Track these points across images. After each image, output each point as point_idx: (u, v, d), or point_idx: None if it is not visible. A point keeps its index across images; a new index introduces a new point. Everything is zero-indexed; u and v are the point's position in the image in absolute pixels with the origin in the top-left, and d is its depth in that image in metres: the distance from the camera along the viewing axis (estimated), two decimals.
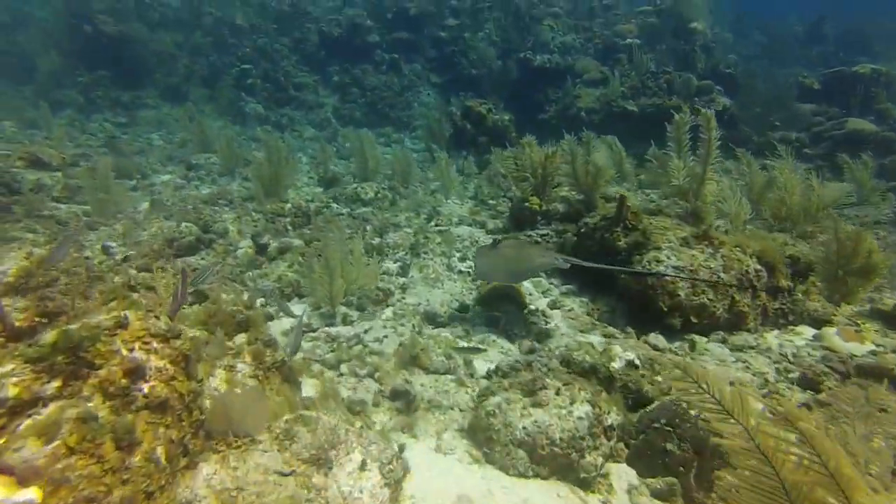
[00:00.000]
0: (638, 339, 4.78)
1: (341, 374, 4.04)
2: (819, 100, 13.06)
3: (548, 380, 3.36)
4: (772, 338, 5.08)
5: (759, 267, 5.14)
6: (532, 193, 7.10)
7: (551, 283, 6.08)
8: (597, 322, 5.08)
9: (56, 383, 2.07)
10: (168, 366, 2.35)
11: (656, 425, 3.20)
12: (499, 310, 5.26)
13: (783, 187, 6.72)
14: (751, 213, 6.36)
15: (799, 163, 11.68)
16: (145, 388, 2.23)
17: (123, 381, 2.18)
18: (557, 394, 3.26)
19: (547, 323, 5.18)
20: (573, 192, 7.15)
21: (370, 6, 20.42)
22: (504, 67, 17.96)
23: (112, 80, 16.82)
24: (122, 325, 2.32)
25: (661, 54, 14.94)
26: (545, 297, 5.80)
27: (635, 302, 5.10)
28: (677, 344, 4.84)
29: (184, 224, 6.74)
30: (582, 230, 5.92)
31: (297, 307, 5.27)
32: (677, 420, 3.14)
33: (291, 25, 20.86)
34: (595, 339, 4.73)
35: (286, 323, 4.83)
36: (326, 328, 4.82)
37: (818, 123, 12.25)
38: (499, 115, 12.91)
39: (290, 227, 7.11)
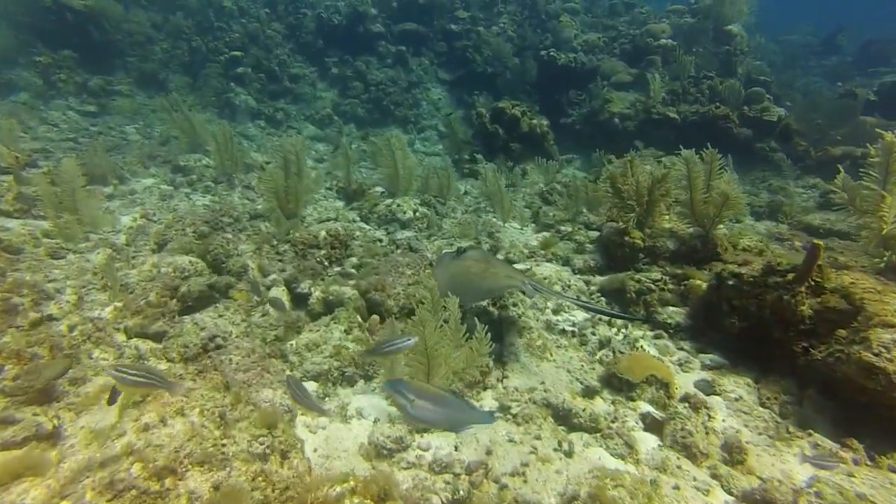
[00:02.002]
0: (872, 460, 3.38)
1: None
2: (875, 112, 12.10)
3: None
4: None
5: None
6: (635, 225, 5.67)
7: (682, 349, 4.65)
8: (789, 429, 3.66)
9: None
10: None
11: None
12: (638, 393, 3.81)
13: None
14: None
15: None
16: None
17: None
18: None
19: (710, 418, 3.74)
20: (684, 225, 5.76)
21: None
22: (522, 66, 16.50)
23: (78, 61, 14.58)
24: None
25: (698, 58, 13.75)
26: (682, 369, 4.37)
27: (843, 392, 3.69)
28: None
29: (187, 259, 5.03)
30: (729, 282, 4.50)
31: (364, 399, 3.69)
32: None
33: (285, 10, 18.89)
34: (798, 465, 3.30)
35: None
36: (420, 444, 3.26)
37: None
38: (536, 120, 11.44)
39: (326, 263, 5.47)
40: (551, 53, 15.52)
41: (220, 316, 4.27)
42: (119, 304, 4.30)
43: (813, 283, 4.00)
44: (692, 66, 12.86)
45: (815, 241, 3.85)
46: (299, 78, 16.77)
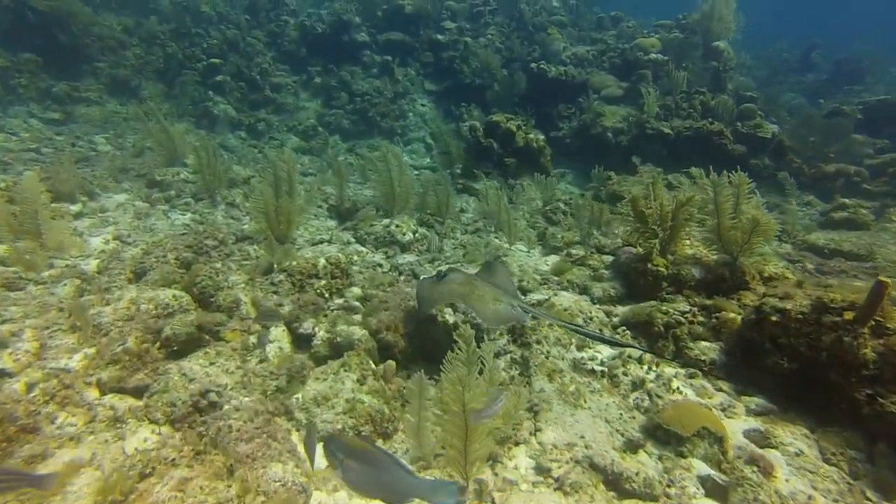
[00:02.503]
0: None
1: None
2: (861, 130, 12.23)
3: None
4: None
5: None
6: (658, 251, 5.32)
7: (721, 390, 4.29)
8: (866, 493, 3.30)
9: None
10: None
11: None
12: (688, 448, 3.42)
13: None
14: None
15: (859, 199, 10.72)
16: None
17: None
18: None
19: (772, 477, 3.36)
20: (708, 251, 5.43)
21: (358, 1, 18.18)
22: (511, 78, 16.26)
23: (41, 65, 13.66)
24: None
25: (689, 73, 13.73)
26: (726, 414, 4.00)
27: None
28: None
29: (170, 293, 4.43)
30: (772, 318, 4.16)
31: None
32: None
33: (266, 17, 18.28)
34: None
35: None
36: None
37: (868, 156, 11.34)
38: (533, 134, 11.13)
39: (327, 294, 4.93)
40: (541, 66, 15.33)
41: (212, 363, 3.69)
42: (91, 351, 3.69)
43: (874, 323, 3.69)
44: (685, 81, 12.79)
45: (881, 277, 3.54)
46: (281, 87, 16.15)
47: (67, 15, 14.16)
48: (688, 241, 5.63)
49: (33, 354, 3.66)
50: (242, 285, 4.78)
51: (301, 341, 4.11)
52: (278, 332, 4.06)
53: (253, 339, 3.98)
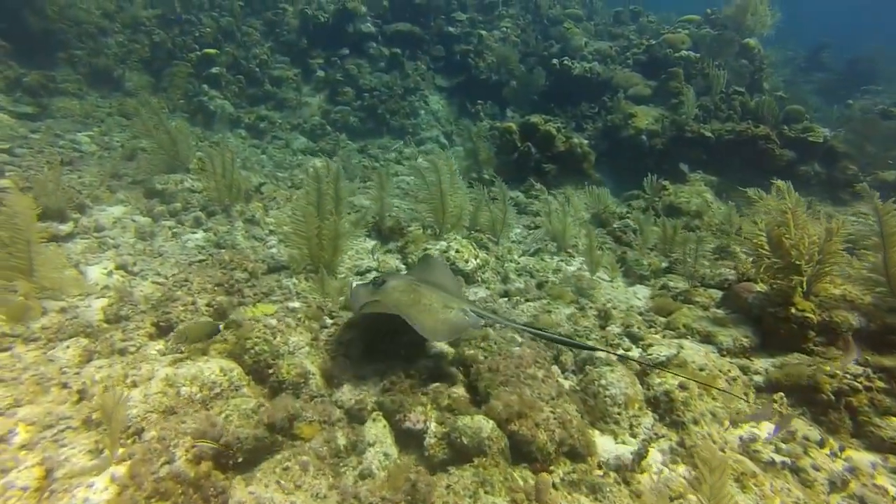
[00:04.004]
0: None
1: None
2: None
3: None
4: None
5: None
6: (801, 291, 4.41)
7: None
8: None
9: None
10: None
11: None
12: None
13: None
14: None
15: None
16: None
17: None
18: None
19: None
20: (863, 293, 4.53)
21: None
22: (529, 74, 15.26)
23: (9, 52, 12.10)
24: None
25: (727, 72, 12.92)
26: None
27: None
28: None
29: (215, 365, 3.32)
30: None
31: None
32: None
33: (262, 4, 16.85)
34: None
35: None
36: None
37: None
38: (576, 139, 10.15)
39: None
40: (565, 62, 14.37)
41: (296, 486, 2.61)
42: (120, 472, 2.57)
43: None
44: (724, 80, 11.97)
45: None
46: (282, 81, 14.82)
47: None
48: (830, 280, 4.73)
49: (38, 481, 2.51)
50: (307, 348, 3.68)
51: (407, 439, 3.05)
52: (378, 428, 3.00)
53: (342, 437, 2.91)
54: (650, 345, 4.38)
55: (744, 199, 10.68)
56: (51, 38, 13.04)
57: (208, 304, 4.27)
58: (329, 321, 4.25)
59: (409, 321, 3.35)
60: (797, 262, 4.36)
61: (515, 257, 6.85)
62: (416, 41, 16.32)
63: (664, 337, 4.65)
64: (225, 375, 3.28)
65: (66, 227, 6.12)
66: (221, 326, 3.74)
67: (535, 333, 4.07)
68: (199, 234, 6.88)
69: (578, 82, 14.23)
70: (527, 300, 5.31)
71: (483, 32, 15.97)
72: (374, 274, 5.84)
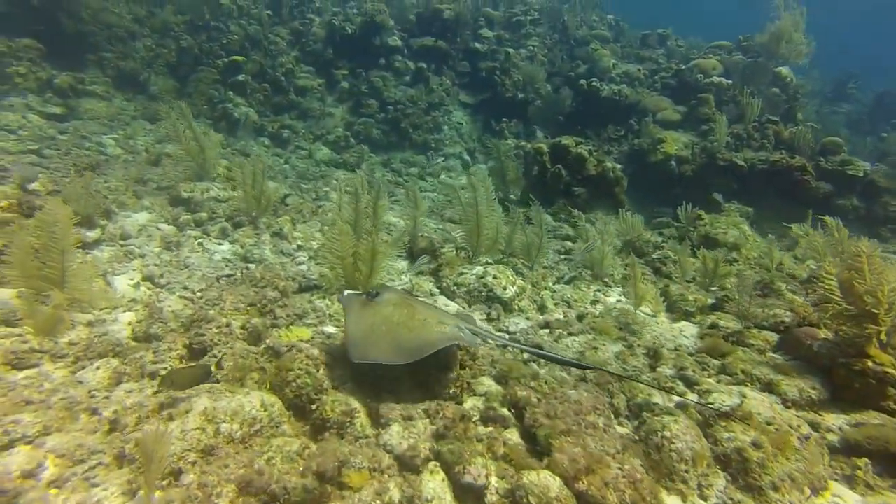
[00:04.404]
0: None
1: None
2: None
3: None
4: None
5: None
6: (876, 343, 4.12)
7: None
8: None
9: None
10: None
11: None
12: None
13: None
14: None
15: None
16: None
17: None
18: None
19: None
20: None
21: (391, 1, 16.94)
22: (555, 94, 15.14)
23: (43, 53, 12.12)
24: None
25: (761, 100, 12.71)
26: None
27: None
28: None
29: (256, 399, 3.08)
30: None
31: None
32: None
33: (289, 13, 16.95)
34: None
35: None
36: None
37: None
38: (609, 163, 9.94)
39: (457, 392, 3.61)
40: (593, 83, 14.23)
41: None
42: None
43: None
44: (759, 108, 11.74)
45: None
46: (306, 91, 14.80)
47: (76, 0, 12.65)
48: None
49: None
50: (350, 382, 3.43)
51: (465, 494, 2.78)
52: (435, 482, 2.74)
53: (395, 490, 2.65)
54: (707, 391, 4.09)
55: (777, 232, 10.48)
56: (82, 40, 13.12)
57: (243, 327, 4.05)
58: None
59: (389, 343, 3.36)
60: (874, 311, 4.08)
61: (550, 284, 6.60)
62: (441, 56, 16.28)
63: (719, 382, 4.36)
64: (266, 411, 3.04)
65: (93, 234, 5.96)
66: (213, 367, 3.45)
67: (542, 356, 4.01)
68: (226, 246, 6.70)
69: (606, 104, 14.07)
70: (570, 334, 5.05)
71: (510, 50, 15.90)
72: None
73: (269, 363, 3.56)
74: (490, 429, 3.28)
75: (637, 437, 3.49)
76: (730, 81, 13.17)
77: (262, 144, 12.93)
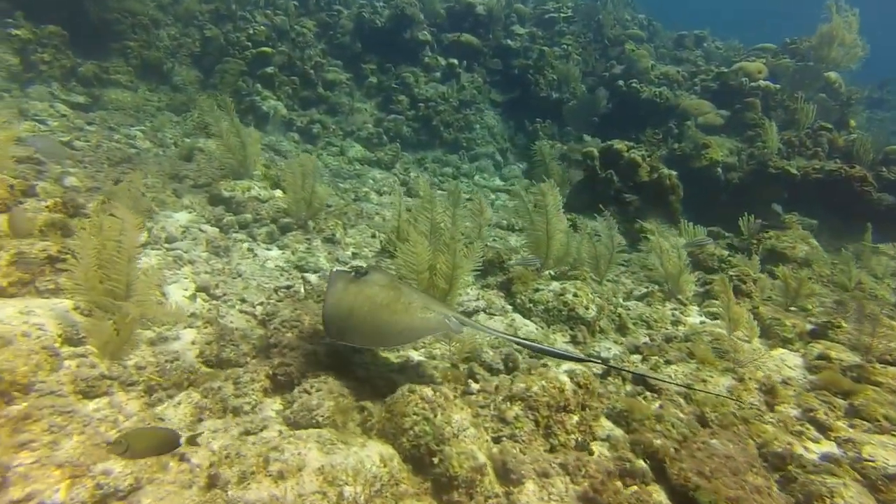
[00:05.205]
0: None
1: None
2: None
3: None
4: None
5: None
6: None
7: None
8: None
9: None
10: None
11: None
12: None
13: None
14: None
15: None
16: None
17: None
18: None
19: None
20: None
21: None
22: (591, 94, 14.65)
23: (67, 41, 11.65)
24: None
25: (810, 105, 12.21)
26: None
27: None
28: None
29: (374, 451, 2.65)
30: None
31: None
32: None
33: (316, 5, 16.43)
34: None
35: None
36: None
37: None
38: (664, 169, 9.48)
39: (579, 438, 3.17)
40: (632, 84, 13.74)
41: None
42: None
43: None
44: (813, 114, 11.25)
45: None
46: (335, 85, 14.31)
47: None
48: None
49: None
50: (471, 429, 2.98)
51: None
52: None
53: None
54: (849, 440, 3.64)
55: (832, 245, 10.03)
56: (106, 28, 12.63)
57: (329, 355, 3.61)
58: (474, 385, 3.57)
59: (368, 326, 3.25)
60: None
61: (621, 300, 6.16)
62: (473, 52, 15.77)
63: (853, 427, 3.91)
64: (385, 466, 2.60)
65: (140, 238, 5.50)
66: (183, 440, 2.71)
67: (535, 348, 3.85)
68: (275, 252, 6.26)
69: (645, 106, 13.58)
70: (667, 361, 4.60)
71: (546, 48, 15.38)
72: (483, 316, 5.18)
73: (371, 403, 3.12)
74: (634, 488, 2.84)
75: (795, 502, 3.04)
76: (777, 86, 12.66)
77: (291, 140, 12.48)
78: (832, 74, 13.28)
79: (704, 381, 4.25)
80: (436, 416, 2.91)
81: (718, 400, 3.84)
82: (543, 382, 3.25)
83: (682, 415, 3.69)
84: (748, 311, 5.39)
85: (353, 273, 3.69)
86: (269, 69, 13.41)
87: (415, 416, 2.86)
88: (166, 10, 14.77)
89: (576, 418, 3.24)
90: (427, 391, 3.03)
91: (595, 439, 3.29)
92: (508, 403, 3.21)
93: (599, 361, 3.79)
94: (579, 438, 3.16)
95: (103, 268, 3.67)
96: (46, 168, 6.67)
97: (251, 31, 14.27)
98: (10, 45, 10.75)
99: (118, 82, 12.23)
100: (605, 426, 3.38)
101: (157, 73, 13.39)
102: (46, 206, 4.87)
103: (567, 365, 4.02)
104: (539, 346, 3.98)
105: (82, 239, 3.68)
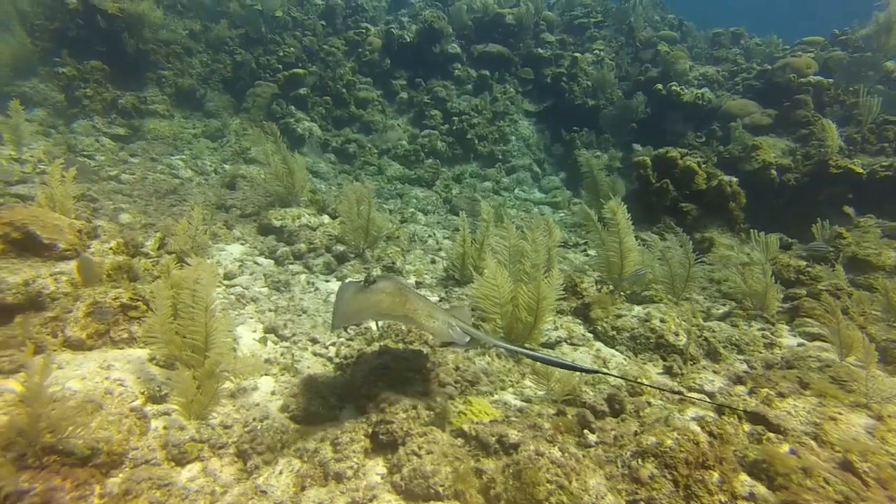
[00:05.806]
0: None
1: None
2: None
3: None
4: None
5: None
6: None
7: None
8: None
9: None
10: None
11: None
12: None
13: None
14: None
15: None
16: None
17: None
18: None
19: None
20: None
21: (447, 9, 16.29)
22: (627, 99, 14.22)
23: (107, 74, 11.78)
24: None
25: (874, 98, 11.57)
26: None
27: None
28: None
29: None
30: None
31: None
32: None
33: (343, 23, 16.46)
34: None
35: None
36: None
37: None
38: (723, 176, 9.02)
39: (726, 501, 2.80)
40: (672, 87, 13.26)
41: None
42: None
43: None
44: (877, 108, 10.63)
45: None
46: (367, 103, 14.18)
47: (138, 19, 12.32)
48: None
49: None
50: (610, 496, 2.64)
51: None
52: None
53: None
54: None
55: None
56: (142, 58, 12.78)
57: (429, 408, 3.31)
58: (591, 436, 3.22)
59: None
60: None
61: (700, 321, 5.73)
62: (503, 63, 15.52)
63: None
64: None
65: None
66: None
67: (536, 357, 3.56)
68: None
69: (688, 110, 13.10)
70: (780, 394, 4.17)
71: (577, 55, 15.04)
72: (566, 346, 4.83)
73: (488, 460, 2.80)
74: None
75: None
76: (830, 80, 12.05)
77: (328, 161, 12.36)
78: (890, 63, 12.61)
79: (834, 419, 3.81)
80: (570, 482, 2.57)
81: (860, 444, 3.41)
82: (677, 435, 2.88)
83: (822, 463, 3.28)
84: (861, 332, 4.91)
85: (363, 282, 3.73)
86: (302, 90, 13.38)
87: (549, 486, 2.52)
88: (198, 38, 14.92)
89: (716, 475, 2.86)
90: (555, 452, 2.70)
91: (736, 498, 2.90)
92: (640, 460, 2.85)
93: (613, 374, 3.49)
94: (724, 500, 2.78)
95: (179, 317, 3.47)
96: (101, 205, 6.60)
97: (281, 54, 14.32)
98: (56, 83, 10.92)
99: (155, 112, 12.32)
100: (745, 482, 2.99)
101: (190, 100, 13.48)
102: (111, 248, 4.72)
103: (693, 410, 3.64)
104: (541, 356, 3.65)
105: (157, 289, 3.49)
